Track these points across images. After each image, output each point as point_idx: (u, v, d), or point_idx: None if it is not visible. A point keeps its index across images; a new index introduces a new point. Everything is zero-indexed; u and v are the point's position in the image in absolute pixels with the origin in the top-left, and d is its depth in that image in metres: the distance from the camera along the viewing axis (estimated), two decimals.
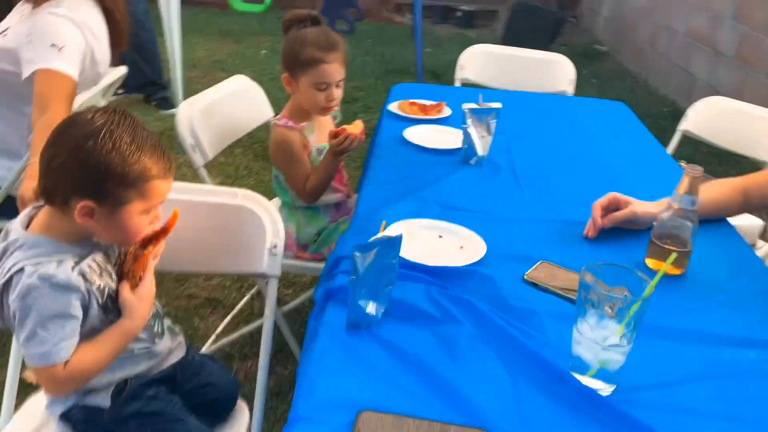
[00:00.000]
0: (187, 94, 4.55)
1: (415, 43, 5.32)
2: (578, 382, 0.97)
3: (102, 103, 2.25)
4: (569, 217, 1.49)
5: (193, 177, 1.93)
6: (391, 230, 1.04)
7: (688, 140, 2.46)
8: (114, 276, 1.14)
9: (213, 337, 2.22)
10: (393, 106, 2.18)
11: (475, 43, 7.05)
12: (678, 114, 5.23)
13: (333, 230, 1.92)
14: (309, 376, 0.96)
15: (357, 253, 0.99)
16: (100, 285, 1.10)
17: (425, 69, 5.39)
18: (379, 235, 1.02)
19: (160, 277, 2.48)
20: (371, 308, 1.06)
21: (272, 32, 6.60)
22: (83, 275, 1.07)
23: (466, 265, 1.25)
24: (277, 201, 2.01)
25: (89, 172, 1.03)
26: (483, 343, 1.05)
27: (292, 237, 1.93)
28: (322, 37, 1.81)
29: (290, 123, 1.82)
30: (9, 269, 1.04)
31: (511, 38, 6.45)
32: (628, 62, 6.36)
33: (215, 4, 7.66)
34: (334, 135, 1.73)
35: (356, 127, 1.75)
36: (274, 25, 6.91)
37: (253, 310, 2.39)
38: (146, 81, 4.28)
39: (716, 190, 1.51)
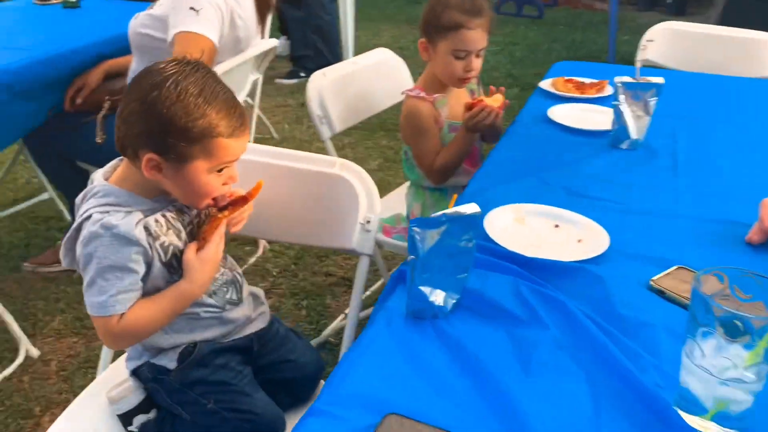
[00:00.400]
0: None
1: (609, 27, 4.89)
2: (683, 423, 0.73)
3: (255, 76, 2.29)
4: (729, 217, 1.18)
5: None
6: (468, 207, 0.86)
7: None
8: (184, 235, 1.10)
9: (341, 317, 2.18)
10: (546, 83, 1.94)
11: None
12: None
13: None
14: (345, 365, 0.83)
15: (416, 229, 0.83)
16: (164, 242, 1.07)
17: (618, 56, 4.93)
18: (448, 210, 0.85)
19: (301, 252, 2.57)
20: (437, 297, 0.90)
21: None
22: (147, 229, 1.04)
23: (577, 261, 1.03)
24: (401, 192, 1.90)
25: (153, 124, 0.99)
26: (568, 355, 0.84)
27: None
28: (467, 1, 1.64)
29: (422, 93, 1.69)
30: (81, 215, 1.04)
31: (728, 24, 5.67)
32: None
33: None
34: (469, 107, 1.57)
35: (495, 101, 1.57)
36: None
37: None
38: (326, 64, 4.39)
39: None
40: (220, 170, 1.05)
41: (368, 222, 1.25)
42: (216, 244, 1.09)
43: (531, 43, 5.56)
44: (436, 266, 0.87)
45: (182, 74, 0.99)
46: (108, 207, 1.03)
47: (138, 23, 1.92)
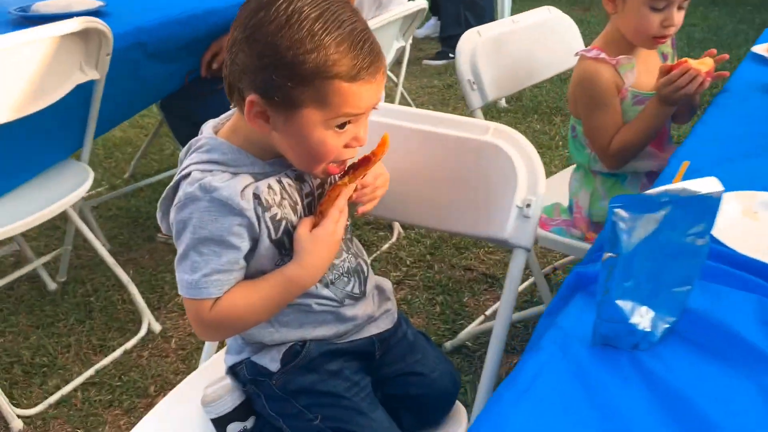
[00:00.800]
0: None
1: None
2: None
3: (399, 44, 2.07)
4: None
5: None
6: (703, 183, 0.56)
7: None
8: (300, 208, 0.88)
9: (480, 318, 1.90)
10: (761, 48, 1.53)
11: None
12: None
13: None
14: (501, 405, 0.56)
15: (621, 212, 0.54)
16: (276, 214, 0.85)
17: None
18: (673, 185, 0.55)
19: (439, 240, 2.31)
20: (642, 318, 0.60)
21: None
22: (257, 197, 0.83)
23: None
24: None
25: (255, 55, 0.77)
26: None
27: (582, 210, 1.48)
28: None
29: (602, 54, 1.36)
30: (180, 171, 0.85)
31: None
32: None
33: None
34: (666, 69, 1.23)
35: (703, 64, 1.21)
36: None
37: (533, 298, 2.00)
38: None
39: None
40: (341, 126, 0.81)
41: (528, 206, 0.96)
42: (334, 220, 0.86)
43: (712, 25, 4.88)
44: (644, 271, 0.57)
45: None
46: (211, 165, 0.83)
47: None
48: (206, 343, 1.16)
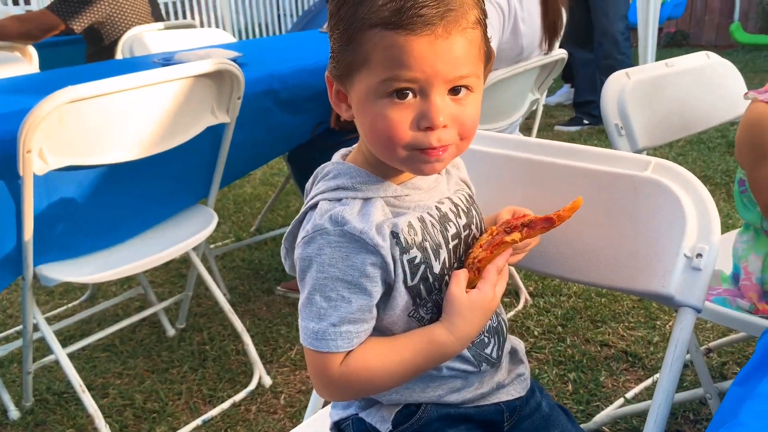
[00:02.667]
0: None
1: None
2: None
3: (534, 96, 1.95)
4: None
5: None
6: None
7: None
8: (444, 252, 0.76)
9: (619, 401, 1.66)
10: None
11: None
12: None
13: None
14: None
15: None
16: (416, 257, 0.73)
17: None
18: None
19: (572, 311, 2.10)
20: None
21: None
22: (395, 235, 0.72)
23: None
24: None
25: (333, 25, 0.70)
26: None
27: (752, 277, 1.24)
28: None
29: None
30: (307, 203, 0.76)
31: None
32: None
33: (715, 47, 6.85)
34: None
35: None
36: None
37: (684, 381, 1.73)
38: None
39: None
40: (400, 95, 0.67)
41: (699, 256, 0.79)
42: (493, 283, 0.74)
43: None
44: None
45: None
46: (340, 192, 0.73)
47: None
48: (313, 394, 1.05)
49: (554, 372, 1.81)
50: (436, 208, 0.76)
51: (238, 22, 7.28)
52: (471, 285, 0.74)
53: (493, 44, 1.50)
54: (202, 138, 1.54)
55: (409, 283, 0.73)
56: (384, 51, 0.66)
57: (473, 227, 0.79)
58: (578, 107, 4.14)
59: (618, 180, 0.86)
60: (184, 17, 6.82)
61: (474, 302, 0.72)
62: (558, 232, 0.79)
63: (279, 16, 7.89)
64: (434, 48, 0.65)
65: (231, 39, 2.84)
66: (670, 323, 2.00)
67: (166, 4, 6.66)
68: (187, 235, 1.63)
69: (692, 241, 0.79)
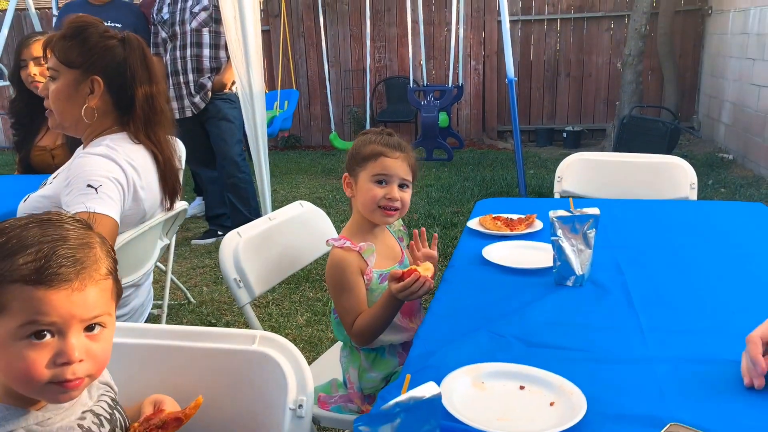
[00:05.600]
0: None
1: (516, 161, 5.07)
2: None
3: (164, 242, 2.11)
4: (706, 354, 1.06)
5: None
6: (426, 389, 0.69)
7: None
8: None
9: None
10: (473, 223, 1.86)
11: None
12: None
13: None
14: None
15: (362, 428, 0.65)
16: None
17: (528, 189, 5.09)
18: (402, 397, 0.68)
19: None
20: None
21: None
22: None
23: None
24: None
25: None
26: None
27: (354, 386, 1.59)
28: (388, 138, 1.61)
29: (347, 243, 1.55)
30: None
31: (623, 151, 6.07)
32: (761, 168, 5.72)
33: (323, 147, 7.96)
34: (398, 278, 1.41)
35: (427, 269, 1.42)
36: None
37: None
38: (243, 221, 4.25)
39: None
40: (39, 335, 0.78)
41: (300, 407, 1.04)
42: None
43: (445, 184, 5.69)
44: None
45: None
46: None
47: (28, 206, 1.73)
48: None
49: None
50: (78, 426, 0.86)
51: None
52: None
53: (117, 217, 1.62)
54: None
55: None
56: (24, 302, 0.76)
57: (117, 431, 0.91)
58: (211, 220, 4.41)
59: (232, 355, 1.08)
60: None
61: None
62: (185, 399, 0.97)
63: None
64: (71, 299, 0.79)
65: None
66: None
67: None
68: None
69: (293, 395, 1.04)
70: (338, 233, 1.92)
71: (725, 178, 5.63)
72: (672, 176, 2.43)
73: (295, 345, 3.01)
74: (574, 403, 0.93)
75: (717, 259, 1.56)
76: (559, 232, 1.39)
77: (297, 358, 1.07)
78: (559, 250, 1.40)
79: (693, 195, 2.36)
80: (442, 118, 6.74)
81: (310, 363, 2.62)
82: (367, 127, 7.40)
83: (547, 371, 1.01)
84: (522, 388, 1.00)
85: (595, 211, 1.40)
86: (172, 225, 2.08)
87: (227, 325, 3.10)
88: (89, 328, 0.82)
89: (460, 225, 4.43)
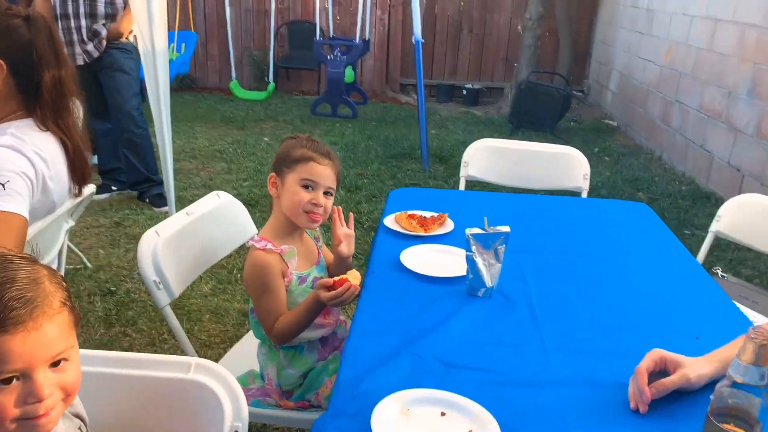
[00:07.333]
0: (184, 187, 4.39)
1: (419, 125, 5.18)
2: None
3: (69, 224, 2.03)
4: (601, 377, 1.22)
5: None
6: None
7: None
8: None
9: None
10: (389, 220, 1.94)
11: (482, 123, 6.94)
12: (698, 193, 4.96)
13: (321, 371, 1.65)
14: None
15: None
16: None
17: (430, 151, 5.23)
18: None
19: None
20: None
21: (275, 118, 6.53)
22: None
23: None
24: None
25: None
26: None
27: (272, 382, 1.66)
28: (318, 144, 1.65)
29: (269, 245, 1.58)
30: None
31: (518, 116, 6.34)
32: (641, 137, 6.18)
33: (220, 90, 7.68)
34: (329, 286, 1.46)
35: (355, 278, 1.48)
36: (277, 111, 6.85)
37: None
38: (140, 178, 4.12)
39: None
40: (6, 382, 0.81)
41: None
42: None
43: (349, 142, 5.71)
44: None
45: None
46: None
47: None
48: None
49: None
50: None
51: None
52: None
53: (26, 213, 1.55)
54: None
55: None
56: None
57: None
58: (104, 175, 4.22)
59: (167, 384, 1.10)
60: None
61: None
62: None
63: None
64: (28, 341, 0.80)
65: None
66: None
67: None
68: None
69: (229, 422, 1.09)
70: (251, 213, 1.95)
71: (610, 146, 6.03)
72: (568, 166, 2.61)
73: (201, 316, 3.01)
74: (489, 430, 1.05)
75: (608, 265, 1.74)
76: (473, 248, 1.50)
77: (232, 385, 1.12)
78: (472, 264, 1.51)
79: (585, 185, 2.56)
80: (348, 73, 6.71)
81: (219, 344, 2.62)
82: (270, 72, 7.23)
83: (465, 397, 1.12)
84: (443, 414, 1.11)
85: (506, 229, 1.51)
86: (78, 207, 2.00)
87: (127, 293, 3.04)
88: (54, 364, 0.84)
89: (365, 188, 4.50)
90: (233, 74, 7.18)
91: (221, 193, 1.94)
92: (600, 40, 7.75)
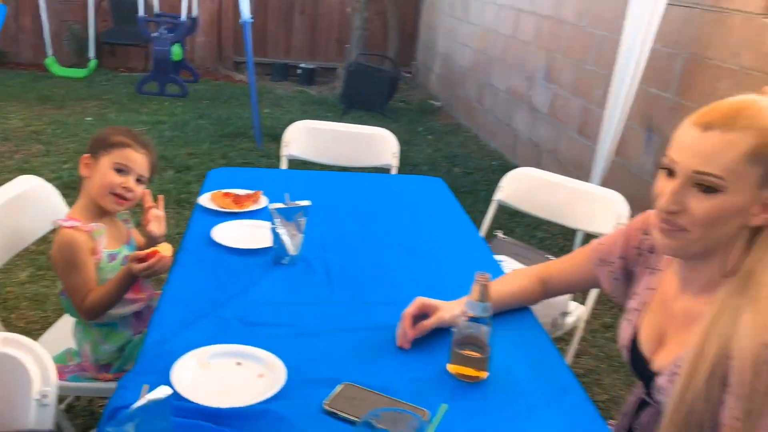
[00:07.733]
0: None
1: (251, 103, 5.24)
2: None
3: None
4: (378, 322, 1.45)
5: None
6: (157, 392, 0.92)
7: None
8: None
9: None
10: (204, 199, 2.06)
11: (316, 102, 7.19)
12: (506, 167, 5.56)
13: (139, 343, 1.75)
14: None
15: (109, 429, 0.86)
16: None
17: (264, 131, 5.32)
18: (140, 402, 0.90)
19: None
20: None
21: (99, 96, 6.24)
22: None
23: (261, 403, 1.16)
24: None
25: None
26: None
27: (89, 358, 1.74)
28: (137, 135, 1.76)
29: (77, 223, 1.65)
30: None
31: (350, 96, 6.60)
32: (460, 117, 6.71)
33: (35, 66, 7.17)
34: (141, 258, 1.56)
35: (167, 250, 1.60)
36: (101, 88, 6.55)
37: None
38: None
39: (516, 282, 1.55)
40: None
41: (45, 396, 1.19)
42: None
43: (179, 121, 5.63)
44: None
45: None
46: None
47: None
48: None
49: None
50: None
51: None
52: None
53: None
54: None
55: None
56: None
57: None
58: None
59: None
60: None
61: None
62: None
63: None
64: None
65: None
66: None
67: None
68: None
69: (38, 387, 1.18)
70: (73, 197, 1.97)
71: (433, 126, 6.49)
72: (381, 145, 2.87)
73: (18, 303, 2.96)
74: (277, 374, 1.24)
75: (397, 234, 2.00)
76: (277, 221, 1.67)
77: (38, 353, 1.20)
78: (276, 236, 1.69)
79: (395, 162, 2.83)
80: (176, 51, 6.56)
81: (39, 330, 2.59)
82: (91, 48, 6.87)
83: (260, 348, 1.30)
84: (239, 363, 1.28)
85: (306, 203, 1.71)
86: None
87: None
88: None
89: (195, 168, 4.52)
90: (50, 50, 6.73)
91: (30, 177, 1.94)
92: (425, 24, 8.22)
